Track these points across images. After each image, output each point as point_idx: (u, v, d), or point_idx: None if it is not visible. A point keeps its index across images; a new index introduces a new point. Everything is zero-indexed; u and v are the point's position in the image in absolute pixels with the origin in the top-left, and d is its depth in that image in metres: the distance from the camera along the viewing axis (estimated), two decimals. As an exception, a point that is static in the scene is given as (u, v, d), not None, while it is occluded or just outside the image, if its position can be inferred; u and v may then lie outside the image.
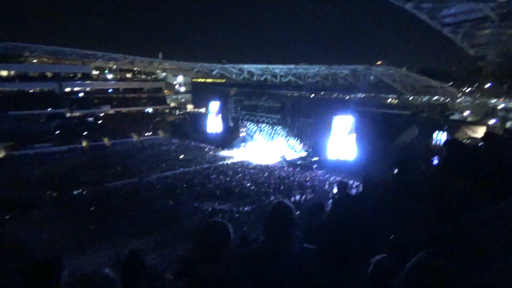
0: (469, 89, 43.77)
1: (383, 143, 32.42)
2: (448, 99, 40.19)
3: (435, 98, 40.46)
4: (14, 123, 44.82)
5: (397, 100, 44.17)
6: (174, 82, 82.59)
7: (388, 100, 45.69)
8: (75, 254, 19.23)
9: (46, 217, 25.22)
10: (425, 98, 41.03)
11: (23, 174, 34.37)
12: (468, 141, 32.32)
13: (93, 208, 26.40)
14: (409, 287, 0.96)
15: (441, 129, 34.54)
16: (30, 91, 51.13)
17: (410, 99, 41.19)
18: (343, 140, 38.69)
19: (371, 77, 42.62)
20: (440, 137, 33.55)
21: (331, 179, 34.18)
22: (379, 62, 46.36)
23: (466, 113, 39.86)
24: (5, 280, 16.73)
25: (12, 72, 51.44)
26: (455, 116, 39.25)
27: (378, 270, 1.55)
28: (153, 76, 72.60)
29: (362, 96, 45.85)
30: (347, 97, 47.71)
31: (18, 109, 46.42)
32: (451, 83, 43.81)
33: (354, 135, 37.50)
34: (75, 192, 29.75)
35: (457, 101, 40.73)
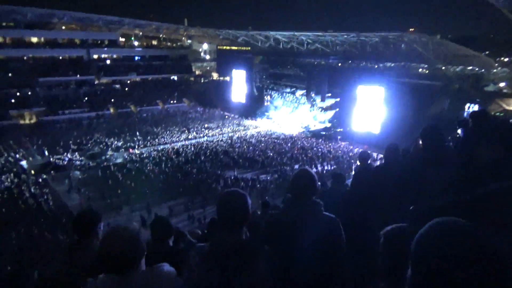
0: (507, 59, 41.28)
1: (411, 115, 31.45)
2: (483, 69, 38.12)
3: (469, 68, 38.45)
4: (44, 90, 46.26)
5: (428, 70, 42.28)
6: (200, 50, 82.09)
7: (419, 70, 43.81)
8: (112, 213, 20.45)
9: (82, 178, 26.52)
10: (458, 68, 39.07)
11: (55, 138, 35.74)
12: (501, 114, 30.94)
13: (123, 172, 27.47)
14: (424, 250, 0.89)
15: (473, 101, 33.14)
16: (59, 58, 52.29)
17: (442, 69, 39.31)
18: (369, 111, 37.85)
19: (402, 45, 40.74)
20: (472, 109, 32.24)
21: (355, 150, 33.81)
22: (411, 29, 44.18)
23: (502, 84, 37.81)
24: (49, 231, 17.99)
25: (42, 39, 52.51)
26: (490, 88, 37.34)
27: (389, 241, 1.53)
28: (178, 44, 72.33)
29: (391, 65, 44.17)
30: (376, 66, 46.14)
31: (48, 76, 47.71)
32: (487, 52, 41.41)
33: (381, 106, 36.57)
34: (102, 157, 30.83)
35: (493, 71, 38.62)
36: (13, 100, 42.53)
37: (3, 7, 45.98)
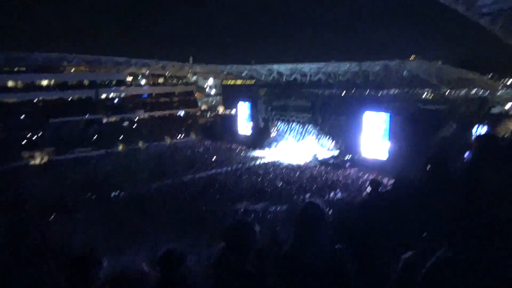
0: (511, 80, 41.43)
1: (418, 140, 31.27)
2: (488, 91, 38.18)
3: (474, 91, 38.55)
4: (54, 130, 47.24)
5: (432, 95, 42.45)
6: (205, 85, 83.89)
7: (423, 95, 44.00)
8: (116, 254, 20.12)
9: (88, 218, 26.32)
10: (463, 92, 39.19)
11: (64, 178, 36.06)
12: (509, 135, 30.61)
13: (130, 210, 27.33)
14: (429, 281, 0.91)
15: (481, 123, 32.93)
16: (69, 99, 53.77)
17: (446, 93, 39.46)
18: (376, 138, 37.78)
19: (404, 72, 41.23)
20: (480, 131, 32.00)
21: (364, 177, 33.47)
22: (412, 57, 44.86)
23: (508, 105, 37.70)
24: (48, 276, 17.67)
25: (52, 81, 54.32)
26: (496, 109, 37.21)
27: (406, 266, 1.51)
28: (184, 80, 74.17)
29: (395, 92, 44.52)
30: (380, 94, 46.56)
31: (58, 117, 48.86)
32: (490, 75, 41.66)
33: (387, 133, 36.52)
34: (112, 195, 30.82)
35: (498, 93, 38.65)
36: (23, 142, 43.35)
37: (15, 53, 48.05)
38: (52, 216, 26.54)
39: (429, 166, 3.07)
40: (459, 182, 2.72)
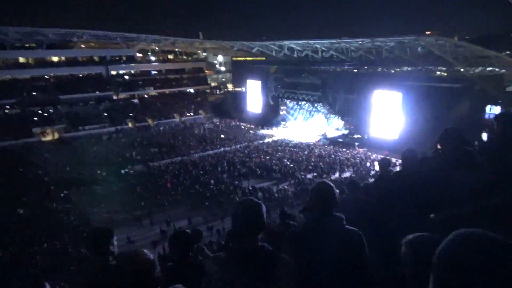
0: (530, 58, 40.04)
1: (430, 119, 30.76)
2: (504, 69, 37.03)
3: (489, 69, 37.42)
4: (65, 107, 47.66)
5: (447, 73, 41.37)
6: (215, 62, 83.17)
7: (438, 73, 42.93)
8: (132, 227, 20.82)
9: (103, 193, 26.94)
10: (478, 70, 38.08)
11: (76, 154, 36.65)
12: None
13: (142, 185, 27.86)
14: (448, 265, 0.80)
15: (495, 102, 32.20)
16: (79, 76, 53.95)
17: (461, 71, 38.41)
18: (387, 117, 37.28)
19: (419, 49, 40.09)
20: (494, 111, 31.33)
21: (373, 156, 33.31)
22: (428, 32, 43.50)
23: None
24: (70, 247, 18.32)
25: (63, 58, 54.37)
26: (512, 88, 36.18)
27: (412, 251, 1.43)
28: (194, 57, 73.50)
29: (408, 69, 43.52)
30: (393, 71, 45.57)
31: (69, 93, 49.24)
32: (508, 52, 40.32)
33: (399, 111, 35.98)
34: (122, 171, 31.31)
35: (515, 71, 37.48)
36: (36, 118, 43.87)
37: (27, 28, 48.01)
38: (66, 191, 27.18)
39: (441, 141, 2.99)
40: (476, 160, 2.65)
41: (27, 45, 53.31)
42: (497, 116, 3.07)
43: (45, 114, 45.29)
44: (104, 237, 2.73)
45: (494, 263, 0.76)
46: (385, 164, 5.03)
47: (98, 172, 31.41)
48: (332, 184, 2.34)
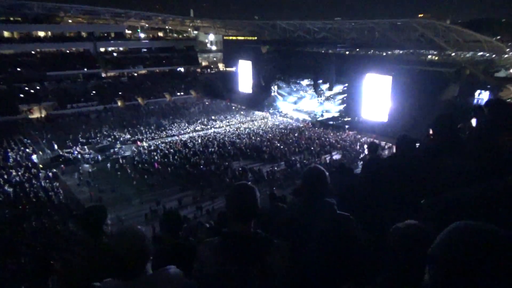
0: (520, 44, 40.33)
1: (420, 103, 31.02)
2: (494, 55, 37.29)
3: (480, 54, 37.64)
4: (52, 84, 46.54)
5: (438, 57, 41.52)
6: (206, 41, 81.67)
7: (429, 57, 43.05)
8: (121, 206, 20.86)
9: (92, 172, 26.77)
10: (469, 54, 38.28)
11: (65, 132, 36.09)
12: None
13: (131, 164, 27.74)
14: (447, 256, 0.80)
15: (483, 87, 32.53)
16: (67, 52, 52.53)
17: (452, 55, 38.56)
18: (377, 100, 37.45)
19: (411, 32, 40.02)
20: (482, 96, 31.68)
21: (363, 140, 33.60)
22: (421, 15, 43.33)
23: (513, 70, 37.01)
24: (60, 224, 18.30)
25: (49, 33, 52.74)
26: (501, 73, 36.53)
27: (401, 239, 1.44)
28: (184, 35, 72.07)
29: (400, 52, 43.48)
30: (384, 54, 45.49)
31: (56, 70, 48.01)
32: (498, 37, 40.51)
33: (389, 95, 36.14)
34: (111, 150, 31.06)
35: (504, 57, 37.77)
36: (22, 95, 42.83)
37: (11, 1, 46.32)
38: (54, 169, 26.93)
39: (434, 127, 3.01)
40: (467, 147, 2.69)
41: (12, 18, 51.59)
42: (487, 102, 3.10)
43: (32, 90, 44.17)
44: (98, 216, 2.69)
45: (493, 256, 0.77)
46: (374, 148, 5.08)
47: (87, 151, 31.13)
48: (324, 169, 2.35)
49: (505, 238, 0.80)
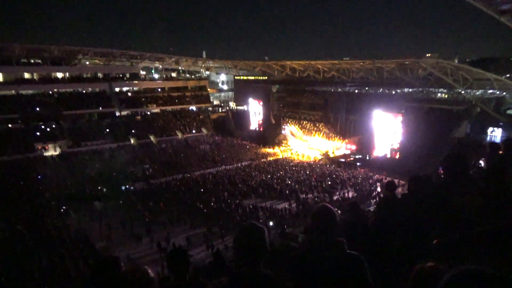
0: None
1: (430, 141, 30.86)
2: (505, 92, 37.32)
3: (490, 91, 37.74)
4: (69, 122, 47.92)
5: (447, 95, 41.73)
6: (217, 80, 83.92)
7: (438, 95, 43.30)
8: (132, 244, 20.65)
9: (103, 209, 26.73)
10: (479, 92, 38.39)
11: (79, 169, 36.57)
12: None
13: (143, 202, 27.69)
14: None
15: (496, 125, 32.34)
16: (83, 92, 54.46)
17: (462, 93, 38.73)
18: (388, 138, 37.41)
19: (420, 71, 40.54)
20: (495, 133, 31.43)
21: (375, 177, 33.22)
22: (428, 55, 44.02)
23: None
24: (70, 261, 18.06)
25: (67, 74, 55.01)
26: (513, 111, 36.38)
27: (420, 279, 1.45)
28: (197, 75, 74.26)
29: (409, 91, 43.91)
30: (394, 92, 45.98)
31: (72, 109, 49.65)
32: (508, 75, 40.69)
33: (400, 132, 36.12)
34: (123, 188, 31.20)
35: (515, 94, 37.74)
36: (38, 133, 44.06)
37: (33, 45, 48.83)
38: (65, 206, 27.02)
39: (445, 166, 3.03)
40: (477, 185, 2.69)
41: (32, 61, 54.12)
42: (505, 140, 3.13)
43: (48, 129, 45.48)
44: (110, 269, 2.52)
45: None
46: (392, 187, 5.04)
47: (99, 188, 31.31)
48: (332, 208, 2.35)
49: (503, 284, 0.83)
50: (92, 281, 2.46)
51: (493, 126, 32.40)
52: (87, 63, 60.12)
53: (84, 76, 56.36)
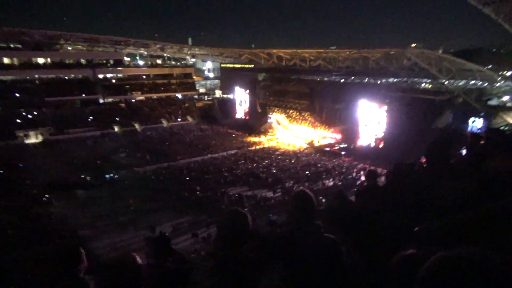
0: (510, 72, 41.27)
1: (414, 130, 31.36)
2: (486, 83, 38.12)
3: (472, 82, 38.48)
4: (51, 109, 46.80)
5: (431, 85, 42.39)
6: (203, 68, 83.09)
7: (422, 85, 43.93)
8: (116, 233, 20.46)
9: (87, 197, 26.43)
10: (462, 83, 39.11)
11: (61, 157, 35.92)
12: (506, 128, 30.80)
13: (127, 190, 27.46)
14: (428, 286, 0.84)
15: (477, 115, 33.06)
16: (66, 78, 53.15)
17: (445, 83, 39.38)
18: (373, 127, 37.86)
19: (405, 61, 40.99)
20: (476, 123, 32.16)
21: (359, 166, 33.69)
22: (413, 45, 44.47)
23: (506, 98, 37.68)
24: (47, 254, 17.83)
25: (49, 60, 53.50)
26: (493, 102, 37.21)
27: (403, 266, 1.47)
28: (182, 62, 73.31)
29: (394, 80, 44.37)
30: (379, 82, 46.37)
31: (55, 96, 48.46)
32: (490, 66, 41.51)
33: (384, 122, 36.59)
34: (107, 176, 30.84)
35: (496, 85, 38.58)
36: (19, 120, 42.92)
37: (13, 29, 47.21)
38: (49, 195, 26.59)
39: (427, 154, 3.08)
40: (460, 171, 2.75)
41: (12, 45, 52.42)
42: (486, 130, 3.21)
43: (30, 116, 44.33)
44: (72, 259, 2.40)
45: (471, 284, 0.80)
46: (372, 176, 5.13)
47: (82, 176, 30.88)
48: (310, 192, 2.38)
49: (488, 267, 0.84)
50: (54, 267, 2.38)
51: (475, 116, 33.10)
52: (70, 48, 58.56)
53: (67, 62, 54.91)
